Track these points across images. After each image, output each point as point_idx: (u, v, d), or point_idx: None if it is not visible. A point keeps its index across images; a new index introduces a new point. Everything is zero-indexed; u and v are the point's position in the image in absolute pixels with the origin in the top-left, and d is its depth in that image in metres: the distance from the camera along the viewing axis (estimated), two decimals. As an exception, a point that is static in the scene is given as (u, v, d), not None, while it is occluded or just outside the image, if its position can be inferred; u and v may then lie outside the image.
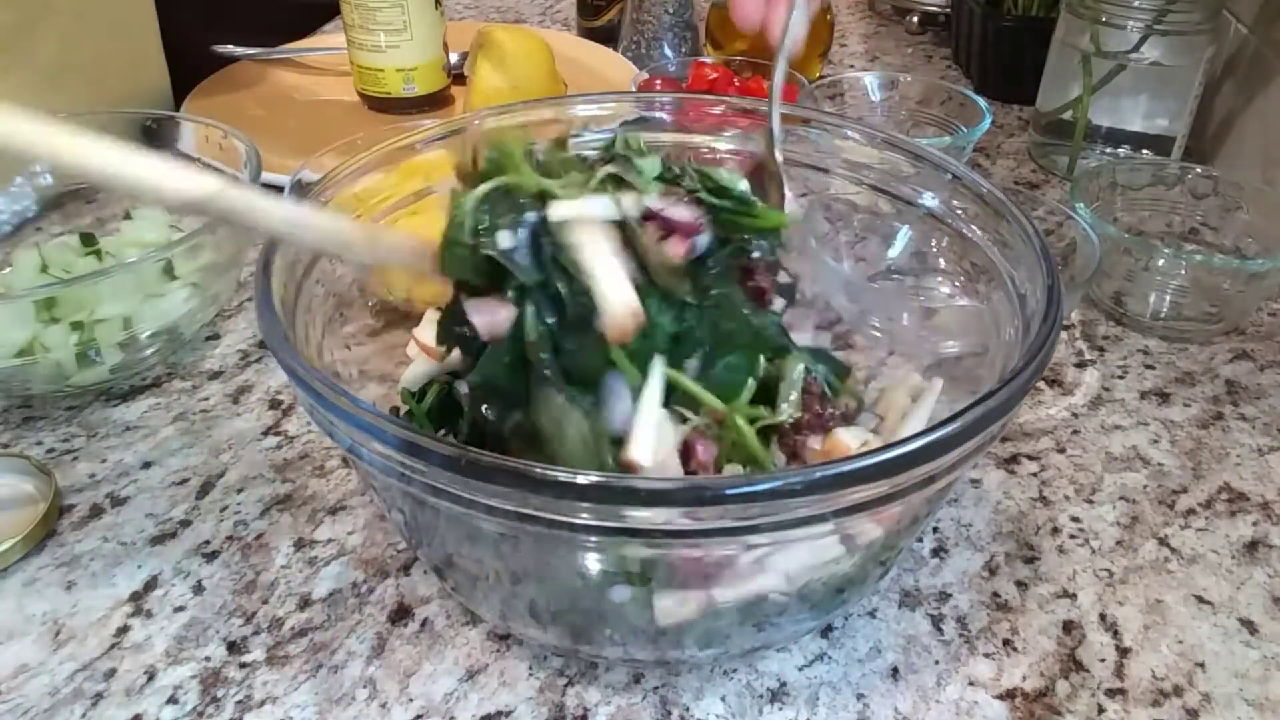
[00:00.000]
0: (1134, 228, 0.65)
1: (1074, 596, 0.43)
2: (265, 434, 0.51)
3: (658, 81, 0.78)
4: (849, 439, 0.37)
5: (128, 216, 0.61)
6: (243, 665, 0.39)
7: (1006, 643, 0.41)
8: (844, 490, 0.29)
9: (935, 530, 0.46)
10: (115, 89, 0.75)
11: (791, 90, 0.75)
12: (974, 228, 0.42)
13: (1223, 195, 0.63)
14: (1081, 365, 0.57)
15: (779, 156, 0.45)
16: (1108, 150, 0.76)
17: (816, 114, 0.49)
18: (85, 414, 0.52)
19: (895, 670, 0.40)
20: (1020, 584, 0.43)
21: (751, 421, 0.36)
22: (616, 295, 0.33)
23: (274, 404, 0.53)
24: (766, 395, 0.38)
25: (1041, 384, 0.56)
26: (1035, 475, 0.49)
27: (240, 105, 0.82)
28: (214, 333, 0.59)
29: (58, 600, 0.42)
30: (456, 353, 0.38)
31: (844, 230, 0.51)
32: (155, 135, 0.62)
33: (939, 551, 0.45)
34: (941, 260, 0.45)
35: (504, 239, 0.33)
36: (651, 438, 0.33)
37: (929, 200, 0.45)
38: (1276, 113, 0.70)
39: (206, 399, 0.53)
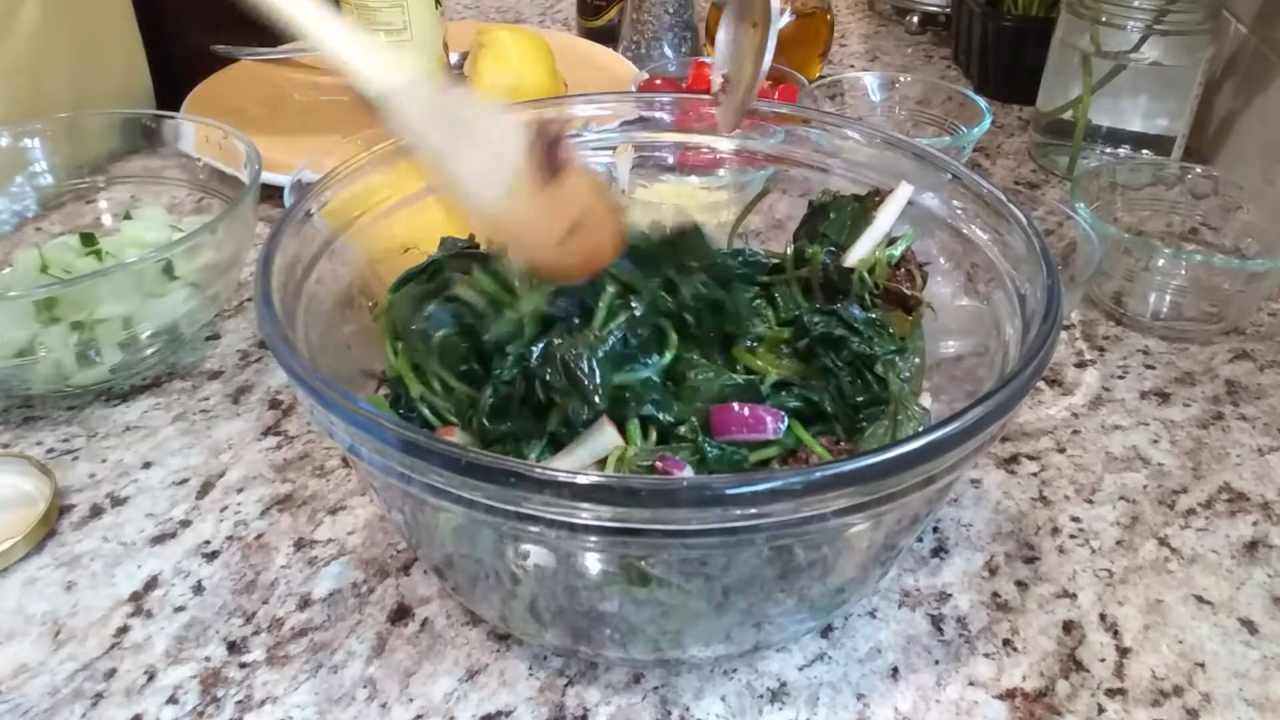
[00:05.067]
0: (1134, 228, 0.65)
1: (1074, 596, 0.43)
2: (265, 434, 0.51)
3: (658, 81, 0.78)
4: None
5: (128, 216, 0.61)
6: (243, 665, 0.39)
7: (1006, 643, 0.41)
8: (843, 490, 0.29)
9: (935, 530, 0.46)
10: (94, 84, 0.75)
11: (791, 90, 0.75)
12: (974, 228, 0.43)
13: (1223, 195, 0.63)
14: (1081, 365, 0.57)
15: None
16: (1108, 150, 0.76)
17: (816, 114, 0.49)
18: (85, 414, 0.52)
19: (895, 670, 0.40)
20: (1020, 584, 0.43)
21: None
22: None
23: (274, 404, 0.53)
24: None
25: (1041, 384, 0.56)
26: (1035, 475, 0.49)
27: (240, 105, 0.82)
28: (214, 333, 0.59)
29: (58, 600, 0.42)
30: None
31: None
32: (155, 134, 0.62)
33: (939, 551, 0.45)
34: (942, 260, 0.45)
35: None
36: None
37: (929, 200, 0.45)
38: (1276, 113, 0.70)
39: (206, 399, 0.53)
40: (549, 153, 0.35)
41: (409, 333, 0.40)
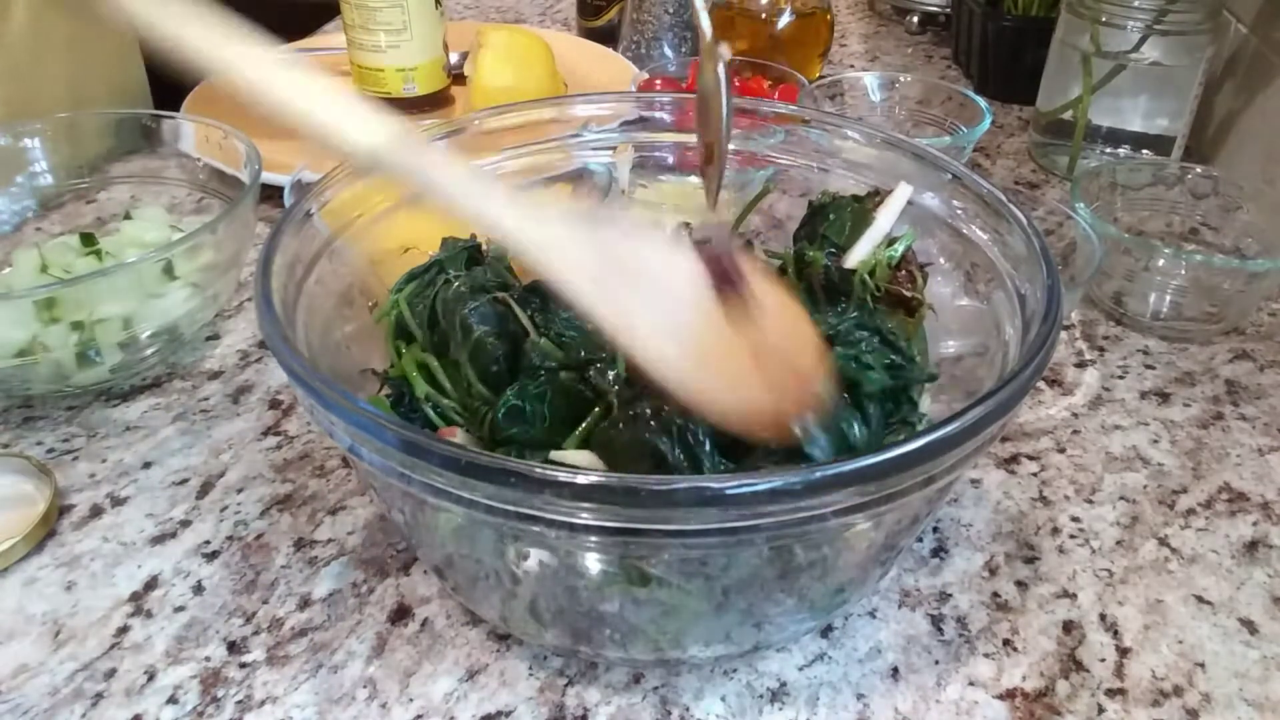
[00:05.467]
0: (1134, 228, 0.65)
1: (1074, 596, 0.43)
2: (265, 434, 0.51)
3: (658, 81, 0.78)
4: None
5: (128, 216, 0.61)
6: (243, 665, 0.39)
7: (1006, 643, 0.41)
8: (843, 490, 0.29)
9: (935, 530, 0.46)
10: (90, 84, 0.75)
11: (791, 90, 0.75)
12: (974, 228, 0.43)
13: (1223, 195, 0.63)
14: (1081, 365, 0.57)
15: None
16: (1108, 150, 0.76)
17: (816, 114, 0.49)
18: (85, 414, 0.52)
19: (895, 670, 0.40)
20: (1020, 584, 0.43)
21: None
22: None
23: (274, 404, 0.53)
24: None
25: (1041, 384, 0.56)
26: (1035, 475, 0.49)
27: (240, 105, 0.81)
28: (214, 333, 0.59)
29: (58, 600, 0.42)
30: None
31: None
32: (155, 134, 0.62)
33: (939, 551, 0.45)
34: (942, 260, 0.45)
35: None
36: None
37: (929, 200, 0.45)
38: (1276, 113, 0.70)
39: (206, 399, 0.53)
40: (725, 275, 0.31)
41: (449, 316, 0.40)
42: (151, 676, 0.39)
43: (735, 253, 0.32)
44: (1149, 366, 0.57)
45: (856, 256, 0.43)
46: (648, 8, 0.90)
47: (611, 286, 0.31)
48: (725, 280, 0.32)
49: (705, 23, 0.41)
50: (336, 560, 0.44)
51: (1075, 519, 0.47)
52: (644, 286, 0.31)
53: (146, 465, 0.49)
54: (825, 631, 0.41)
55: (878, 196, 0.45)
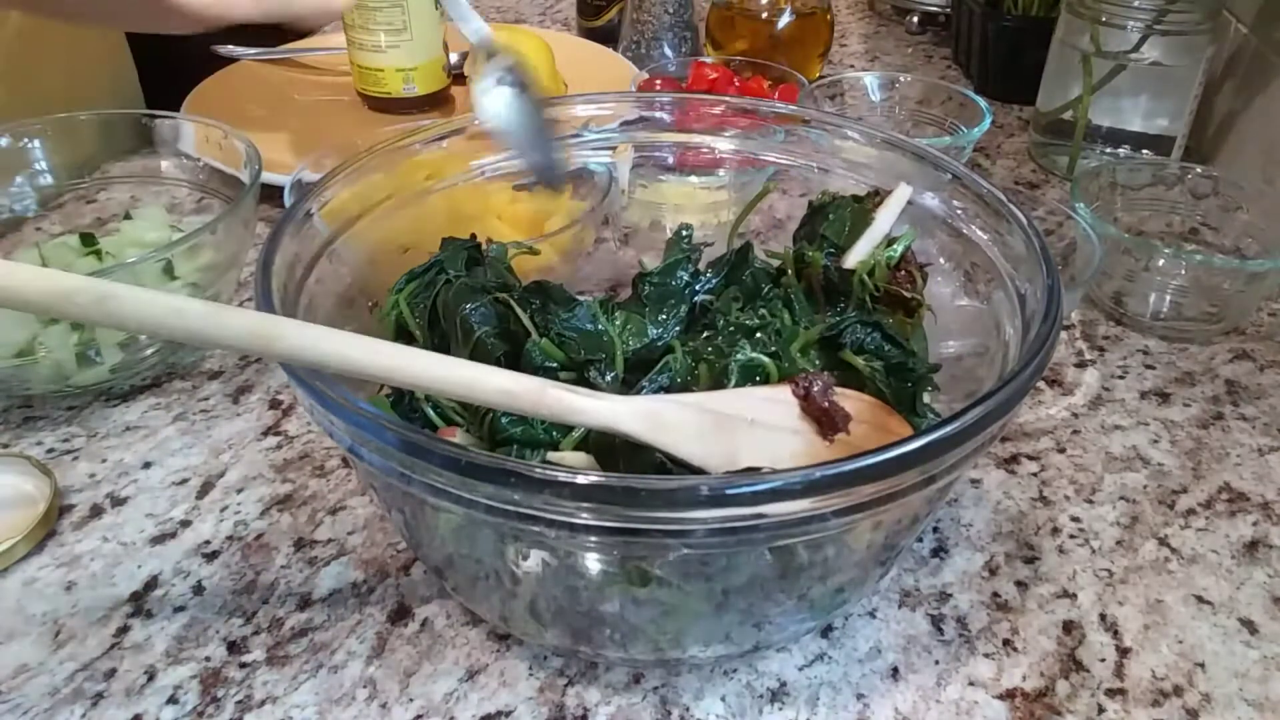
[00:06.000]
0: (1134, 228, 0.65)
1: (1074, 596, 0.43)
2: (265, 434, 0.51)
3: (658, 81, 0.78)
4: None
5: (128, 216, 0.61)
6: (243, 665, 0.39)
7: (1006, 643, 0.41)
8: (843, 490, 0.29)
9: (935, 530, 0.46)
10: (83, 86, 0.75)
11: (791, 90, 0.75)
12: (974, 228, 0.43)
13: (1223, 195, 0.63)
14: (1081, 365, 0.57)
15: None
16: (1108, 150, 0.76)
17: (816, 114, 0.49)
18: (85, 414, 0.52)
19: (895, 670, 0.40)
20: (1020, 584, 0.43)
21: None
22: None
23: (274, 404, 0.53)
24: None
25: (1041, 384, 0.56)
26: (1035, 475, 0.49)
27: (240, 105, 0.82)
28: (214, 333, 0.59)
29: (58, 600, 0.42)
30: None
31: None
32: (155, 134, 0.62)
33: (939, 551, 0.45)
34: (941, 260, 0.45)
35: None
36: None
37: (929, 200, 0.45)
38: (1276, 113, 0.70)
39: (206, 399, 0.53)
40: (823, 407, 0.35)
41: (450, 316, 0.40)
42: (151, 676, 0.39)
43: (828, 384, 0.36)
44: (1149, 366, 0.57)
45: (856, 257, 0.43)
46: (648, 8, 0.90)
47: (714, 436, 0.34)
48: (823, 414, 0.35)
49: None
50: (336, 560, 0.44)
51: (1075, 519, 0.47)
52: (742, 428, 0.34)
53: (146, 465, 0.49)
54: (825, 631, 0.41)
55: (877, 196, 0.45)
